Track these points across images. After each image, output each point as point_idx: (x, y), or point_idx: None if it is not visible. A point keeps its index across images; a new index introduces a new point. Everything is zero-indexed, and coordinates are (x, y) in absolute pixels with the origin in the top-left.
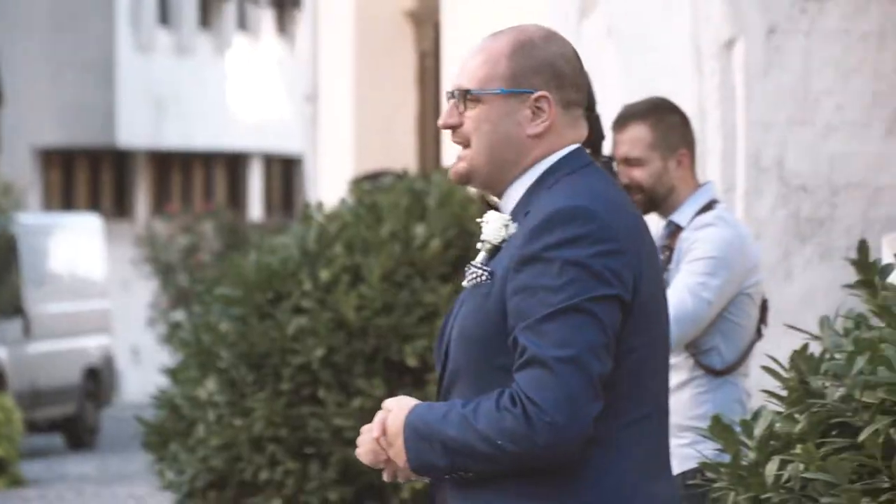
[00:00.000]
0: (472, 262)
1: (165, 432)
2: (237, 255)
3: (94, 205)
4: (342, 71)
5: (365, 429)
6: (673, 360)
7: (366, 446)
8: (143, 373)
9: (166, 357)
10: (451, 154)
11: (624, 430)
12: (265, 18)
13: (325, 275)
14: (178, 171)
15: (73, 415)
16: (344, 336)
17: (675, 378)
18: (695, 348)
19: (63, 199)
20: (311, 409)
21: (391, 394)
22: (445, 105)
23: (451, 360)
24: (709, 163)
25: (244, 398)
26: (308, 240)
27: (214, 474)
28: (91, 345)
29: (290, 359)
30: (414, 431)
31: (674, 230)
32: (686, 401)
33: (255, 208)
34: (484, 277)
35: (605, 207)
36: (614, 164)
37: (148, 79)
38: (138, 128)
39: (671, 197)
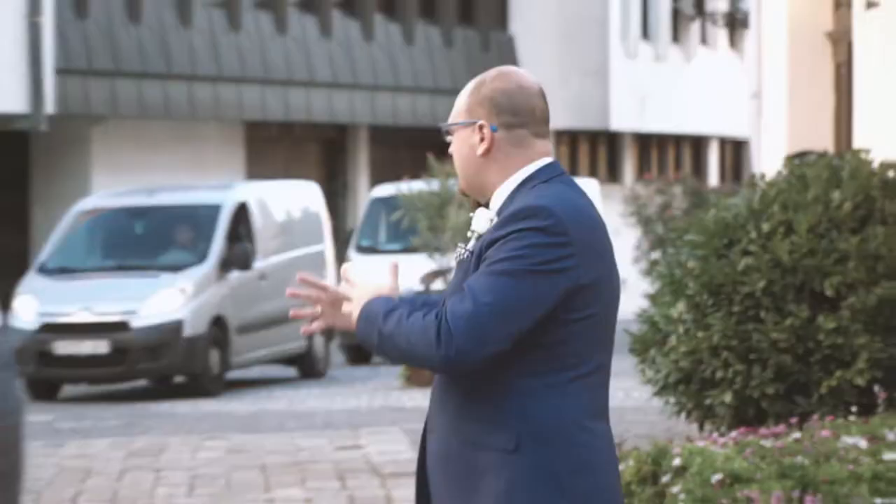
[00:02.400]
0: (460, 245)
1: (647, 341)
2: (700, 212)
3: (591, 173)
4: (779, 76)
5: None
6: None
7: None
8: (628, 297)
9: (646, 286)
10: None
11: (574, 381)
12: (721, 36)
13: (766, 227)
14: (655, 148)
15: None
16: (780, 272)
17: None
18: None
19: (569, 168)
20: (755, 326)
21: (814, 315)
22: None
23: None
24: None
25: (705, 317)
26: (753, 201)
27: (682, 373)
28: None
29: (740, 288)
30: (367, 314)
31: None
32: None
33: (713, 177)
34: (465, 256)
35: (564, 208)
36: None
37: (633, 79)
38: (625, 116)
39: None
